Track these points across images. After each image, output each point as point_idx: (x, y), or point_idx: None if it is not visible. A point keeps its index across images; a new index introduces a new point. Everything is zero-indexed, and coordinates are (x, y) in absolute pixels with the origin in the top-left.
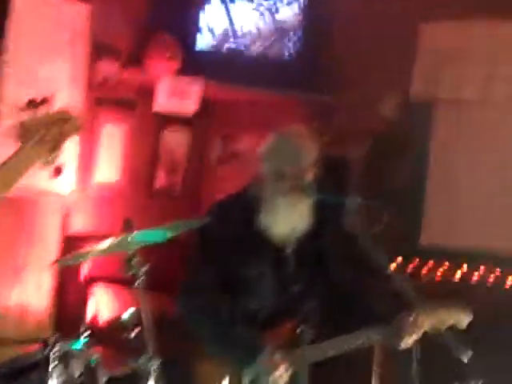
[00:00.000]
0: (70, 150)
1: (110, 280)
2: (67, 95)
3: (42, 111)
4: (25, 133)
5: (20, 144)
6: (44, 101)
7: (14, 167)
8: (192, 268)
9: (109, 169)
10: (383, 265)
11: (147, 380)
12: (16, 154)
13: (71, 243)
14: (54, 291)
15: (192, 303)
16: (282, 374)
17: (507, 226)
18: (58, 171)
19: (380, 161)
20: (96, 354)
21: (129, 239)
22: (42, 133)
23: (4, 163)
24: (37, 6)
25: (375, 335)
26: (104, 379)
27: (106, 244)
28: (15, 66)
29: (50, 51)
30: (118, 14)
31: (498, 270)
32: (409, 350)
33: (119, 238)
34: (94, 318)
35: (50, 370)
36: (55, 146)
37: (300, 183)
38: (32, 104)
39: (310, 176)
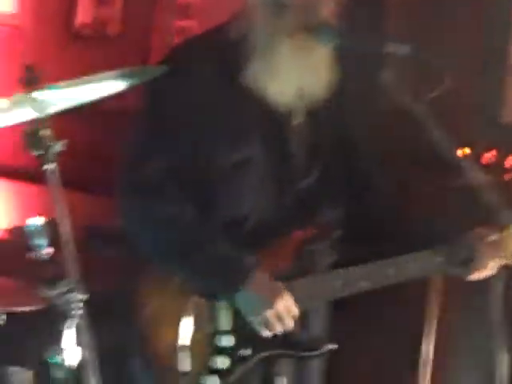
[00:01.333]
0: None
1: (5, 170)
2: None
3: None
4: None
5: None
6: None
7: None
8: (136, 150)
9: None
10: (447, 150)
11: (65, 319)
12: None
13: None
14: None
15: (141, 208)
16: (282, 312)
17: None
18: None
19: None
20: None
21: (34, 98)
22: None
23: None
24: None
25: (434, 260)
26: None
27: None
28: None
29: None
30: None
31: None
32: (485, 285)
33: (17, 97)
34: None
35: None
36: None
37: (311, 18)
38: None
39: (327, 8)
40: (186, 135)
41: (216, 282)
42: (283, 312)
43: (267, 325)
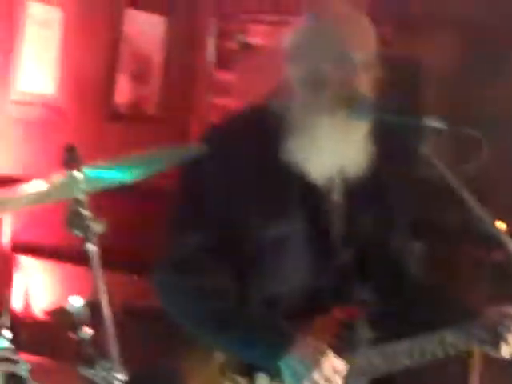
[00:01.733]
0: None
1: (47, 250)
2: None
3: None
4: None
5: None
6: None
7: None
8: (176, 228)
9: (39, 76)
10: (484, 223)
11: None
12: None
13: None
14: None
15: (179, 283)
16: (328, 373)
17: None
18: None
19: (473, 66)
20: (27, 361)
21: (75, 178)
22: None
23: None
24: None
25: (471, 337)
26: None
27: (37, 187)
28: None
29: None
30: None
31: None
32: None
33: (59, 178)
34: (23, 307)
35: None
36: None
37: (350, 93)
38: None
39: (364, 84)
40: (226, 212)
41: (259, 350)
42: (331, 372)
43: None
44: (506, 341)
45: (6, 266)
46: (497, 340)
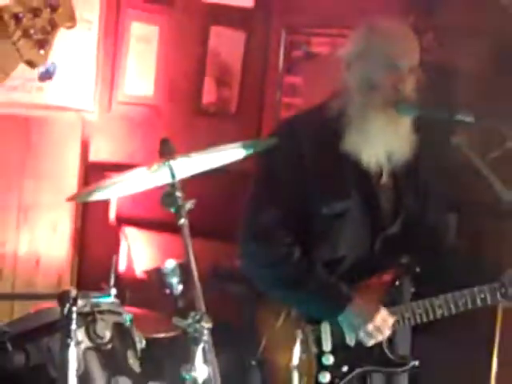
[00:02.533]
0: (88, 55)
1: (146, 222)
2: None
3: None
4: (4, 23)
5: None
6: None
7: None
8: (255, 206)
9: (140, 80)
10: (508, 201)
11: (196, 345)
12: None
13: (94, 174)
14: (73, 236)
15: (258, 251)
16: (380, 325)
17: None
18: (48, 74)
19: (502, 70)
20: (129, 312)
21: (169, 166)
22: (27, 22)
23: None
24: None
25: (499, 291)
26: (141, 344)
27: (138, 173)
28: None
29: None
30: None
31: None
32: None
33: (157, 165)
34: (126, 269)
35: (70, 332)
36: (44, 41)
37: (398, 95)
38: None
39: (409, 86)
40: (296, 192)
41: (324, 305)
42: (381, 324)
43: (370, 335)
44: None
45: (113, 235)
46: None
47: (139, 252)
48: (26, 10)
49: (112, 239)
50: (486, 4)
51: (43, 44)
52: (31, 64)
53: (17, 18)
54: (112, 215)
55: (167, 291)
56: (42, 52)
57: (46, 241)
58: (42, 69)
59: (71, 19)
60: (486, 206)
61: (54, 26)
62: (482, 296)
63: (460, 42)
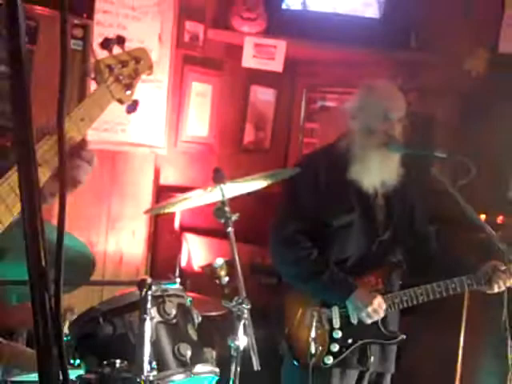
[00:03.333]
0: (160, 106)
1: (202, 230)
2: (156, 52)
3: (117, 50)
4: (101, 71)
5: (97, 84)
6: (119, 39)
7: (91, 106)
8: (282, 218)
9: (198, 124)
10: (472, 216)
11: (238, 321)
12: (92, 93)
13: (164, 194)
14: (147, 239)
15: (285, 253)
16: (377, 307)
17: None
18: (133, 108)
19: (467, 119)
20: (189, 296)
21: (220, 188)
22: (118, 71)
23: (81, 103)
24: None
25: (466, 282)
26: (198, 319)
27: (197, 193)
28: (108, 22)
29: (139, 10)
30: None
31: None
32: (498, 296)
33: (211, 188)
34: (186, 264)
35: (146, 310)
36: (130, 84)
37: (389, 138)
38: (108, 43)
39: (398, 131)
40: (313, 209)
41: (334, 293)
42: (378, 307)
43: (369, 316)
44: (497, 282)
45: (177, 240)
46: (490, 282)
47: (196, 252)
48: (116, 62)
49: (176, 242)
50: (454, 69)
51: (129, 87)
52: (120, 101)
53: (110, 67)
54: (176, 224)
55: (217, 281)
56: (128, 92)
57: (127, 243)
58: (128, 104)
59: (150, 68)
60: (456, 220)
61: (137, 73)
62: (453, 286)
63: (436, 98)
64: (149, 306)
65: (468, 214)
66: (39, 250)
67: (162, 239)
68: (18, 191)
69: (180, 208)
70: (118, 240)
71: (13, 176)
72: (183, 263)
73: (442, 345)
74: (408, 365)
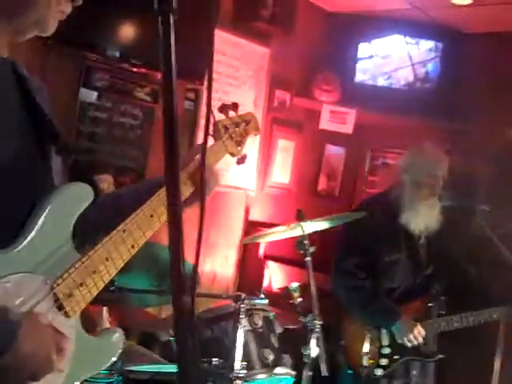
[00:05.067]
0: (253, 157)
1: (280, 258)
2: (253, 113)
3: (231, 114)
4: (219, 130)
5: (214, 139)
6: (234, 105)
7: (209, 156)
8: (342, 253)
9: (282, 173)
10: (507, 257)
11: (311, 334)
12: (212, 147)
13: (252, 228)
14: (237, 264)
15: (343, 283)
16: (416, 335)
17: None
18: (242, 160)
19: (504, 177)
20: (272, 311)
21: (301, 226)
22: (232, 130)
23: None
24: (230, 46)
25: (496, 313)
26: (279, 330)
27: (282, 228)
28: (215, 88)
29: (239, 80)
30: (291, 56)
31: None
32: None
33: (294, 225)
34: (268, 286)
35: (239, 319)
36: (241, 141)
37: (434, 191)
38: (225, 107)
39: (442, 184)
40: (368, 246)
41: (383, 320)
42: (417, 334)
43: (410, 340)
44: None
45: (260, 265)
46: None
47: (275, 276)
48: (231, 124)
49: (260, 267)
50: (492, 136)
51: (240, 143)
52: (232, 154)
53: (226, 127)
54: (260, 252)
55: (291, 301)
56: (239, 148)
57: (220, 265)
58: (238, 157)
59: (257, 130)
60: (495, 261)
61: (246, 133)
62: (485, 316)
63: (477, 159)
64: (241, 316)
65: (505, 257)
66: (181, 270)
67: (249, 264)
68: (150, 220)
69: (267, 240)
70: (213, 262)
71: (147, 207)
72: (264, 284)
73: (478, 369)
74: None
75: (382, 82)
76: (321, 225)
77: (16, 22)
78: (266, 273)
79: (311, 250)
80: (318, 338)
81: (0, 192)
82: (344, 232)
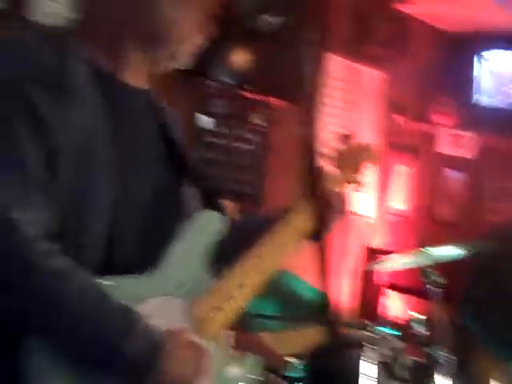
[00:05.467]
0: (370, 184)
1: (398, 287)
2: (369, 138)
3: (350, 143)
4: (339, 159)
5: (334, 167)
6: (352, 135)
7: (329, 184)
8: (469, 285)
9: (400, 199)
10: None
11: (435, 367)
12: (332, 174)
13: (372, 255)
14: (355, 291)
15: (470, 315)
16: None
17: None
18: (358, 187)
19: None
20: (399, 342)
21: (427, 253)
22: (350, 158)
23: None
24: (347, 71)
25: None
26: (407, 362)
27: (407, 258)
28: (330, 114)
29: (357, 104)
30: (407, 80)
31: None
32: None
33: (416, 252)
34: (381, 313)
35: (363, 349)
36: (358, 169)
37: None
38: (344, 137)
39: None
40: (495, 278)
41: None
42: None
43: None
44: None
45: (377, 293)
46: None
47: (393, 304)
48: (348, 152)
49: (376, 295)
50: None
51: (357, 171)
52: (349, 182)
53: (342, 155)
54: (379, 279)
55: (415, 334)
56: (355, 175)
57: (338, 293)
58: (355, 185)
59: (374, 159)
60: None
61: (363, 161)
62: None
63: None
64: (369, 346)
65: None
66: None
67: (368, 291)
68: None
69: (384, 268)
70: (336, 289)
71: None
72: (383, 313)
73: None
74: None
75: (502, 101)
76: (444, 255)
77: (150, 54)
78: (382, 301)
79: (439, 280)
80: (446, 368)
81: (142, 224)
82: (471, 262)
